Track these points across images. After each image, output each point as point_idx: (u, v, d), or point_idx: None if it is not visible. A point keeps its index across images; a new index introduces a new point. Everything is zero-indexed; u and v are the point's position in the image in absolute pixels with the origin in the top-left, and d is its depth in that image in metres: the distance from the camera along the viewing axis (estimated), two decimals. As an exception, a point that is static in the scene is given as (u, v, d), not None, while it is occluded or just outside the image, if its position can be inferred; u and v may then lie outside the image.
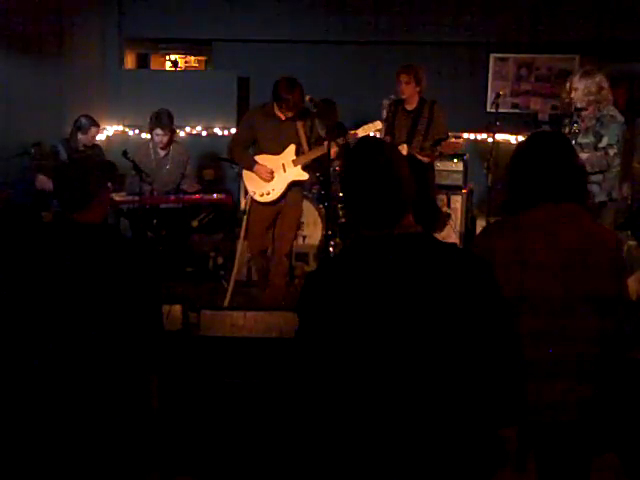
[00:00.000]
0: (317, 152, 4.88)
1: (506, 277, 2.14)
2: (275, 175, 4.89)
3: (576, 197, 2.27)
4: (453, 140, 5.44)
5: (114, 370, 2.41)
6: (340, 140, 4.85)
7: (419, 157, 5.09)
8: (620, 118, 4.24)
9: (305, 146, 4.92)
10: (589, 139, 4.22)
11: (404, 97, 5.18)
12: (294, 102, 4.67)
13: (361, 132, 4.94)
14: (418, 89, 5.16)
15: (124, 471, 2.46)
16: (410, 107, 5.23)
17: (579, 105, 4.25)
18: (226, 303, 5.02)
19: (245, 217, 5.04)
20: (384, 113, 5.41)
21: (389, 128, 5.34)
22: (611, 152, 4.18)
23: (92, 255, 2.39)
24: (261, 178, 4.87)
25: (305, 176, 4.99)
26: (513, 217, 2.33)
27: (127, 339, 2.42)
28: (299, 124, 4.86)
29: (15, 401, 2.41)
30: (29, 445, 2.37)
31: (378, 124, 5.00)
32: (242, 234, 5.09)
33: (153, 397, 2.55)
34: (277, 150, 4.89)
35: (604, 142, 4.16)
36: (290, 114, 4.74)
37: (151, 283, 2.53)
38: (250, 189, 4.95)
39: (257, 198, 4.93)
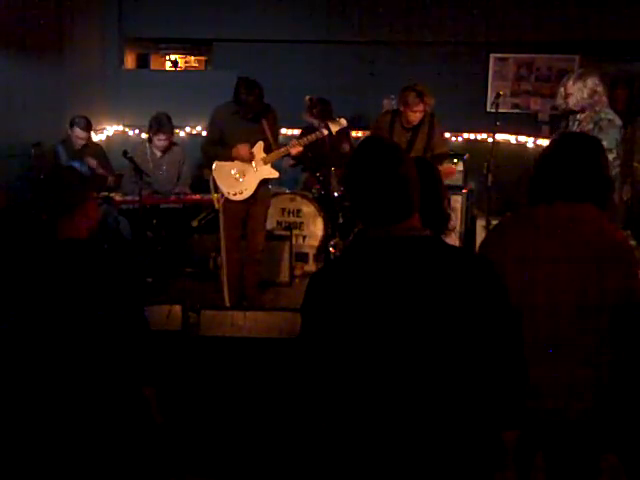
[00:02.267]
0: (284, 150, 4.95)
1: (518, 273, 2.15)
2: (246, 174, 4.91)
3: (595, 199, 2.27)
4: (448, 167, 5.39)
5: (106, 387, 2.41)
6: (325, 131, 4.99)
7: None
8: (618, 121, 4.21)
9: (272, 144, 4.95)
10: None
11: (412, 123, 4.95)
12: (251, 104, 4.72)
13: (326, 131, 5.03)
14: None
15: None
16: (409, 125, 5.00)
17: (574, 109, 4.25)
18: (227, 303, 5.02)
19: (220, 217, 5.03)
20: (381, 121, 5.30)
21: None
22: (610, 156, 4.15)
23: (73, 274, 2.37)
24: (243, 160, 4.87)
25: (275, 174, 5.04)
26: (527, 213, 2.34)
27: (115, 355, 2.42)
28: (264, 122, 4.87)
29: (13, 417, 2.41)
30: (27, 463, 2.38)
31: (343, 122, 4.99)
32: (222, 234, 5.08)
33: (154, 410, 2.54)
34: None
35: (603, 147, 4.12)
36: (249, 115, 4.79)
37: (134, 301, 2.52)
38: (223, 189, 4.94)
39: (230, 197, 4.94)
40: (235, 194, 4.93)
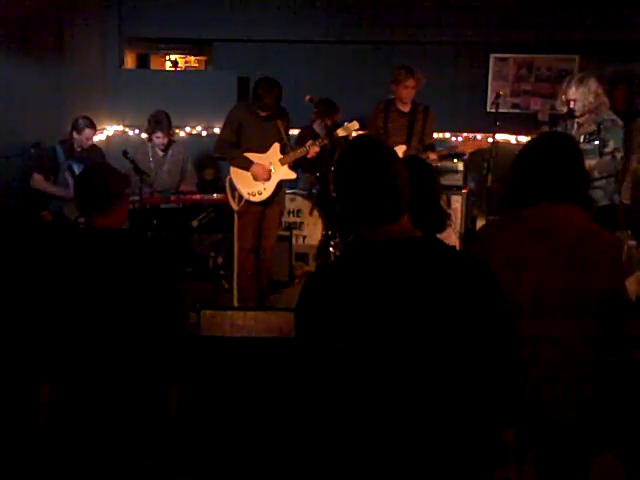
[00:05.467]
0: (302, 151, 4.92)
1: (503, 275, 2.15)
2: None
3: (576, 199, 2.27)
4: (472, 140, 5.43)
5: (137, 379, 2.43)
6: (339, 132, 4.96)
7: (431, 156, 5.10)
8: (620, 122, 4.22)
9: (287, 144, 4.94)
10: (592, 145, 4.17)
11: (405, 101, 5.18)
12: (269, 103, 4.71)
13: (341, 132, 5.00)
14: (416, 92, 5.19)
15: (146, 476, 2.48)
16: (405, 109, 5.23)
17: (578, 114, 4.24)
18: (235, 303, 5.02)
19: (236, 217, 5.01)
20: (376, 110, 5.37)
21: (383, 129, 5.30)
22: (618, 156, 4.16)
23: (113, 261, 2.41)
24: (258, 178, 4.87)
25: (293, 175, 5.03)
26: (512, 215, 2.34)
27: (150, 347, 2.44)
28: (279, 122, 4.87)
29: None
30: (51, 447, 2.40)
31: (355, 124, 5.00)
32: (236, 234, 5.08)
33: (172, 406, 2.57)
34: (261, 148, 4.90)
35: (610, 146, 4.13)
36: (264, 114, 4.78)
37: (172, 291, 2.55)
38: (241, 190, 4.91)
39: (248, 198, 4.92)
40: (254, 194, 4.90)
